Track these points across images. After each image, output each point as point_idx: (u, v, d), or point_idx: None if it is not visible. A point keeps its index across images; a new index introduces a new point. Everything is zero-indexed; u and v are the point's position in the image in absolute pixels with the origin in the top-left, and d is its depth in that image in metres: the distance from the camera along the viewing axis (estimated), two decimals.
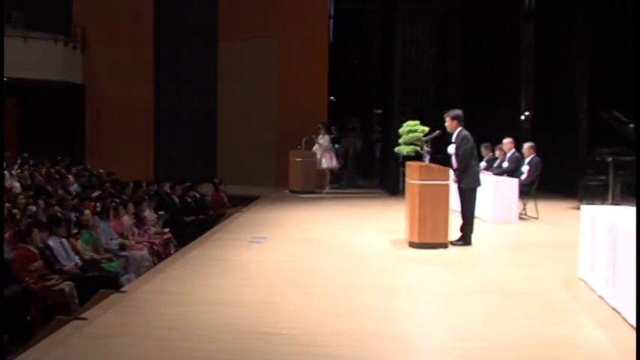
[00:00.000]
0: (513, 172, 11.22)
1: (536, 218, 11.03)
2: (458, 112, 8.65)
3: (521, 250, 8.42)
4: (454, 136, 8.57)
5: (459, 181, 8.53)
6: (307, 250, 8.30)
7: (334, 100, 19.15)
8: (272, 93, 17.71)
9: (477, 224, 8.79)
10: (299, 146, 15.43)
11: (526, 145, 11.37)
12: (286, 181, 15.65)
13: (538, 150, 11.31)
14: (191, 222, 12.94)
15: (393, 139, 9.98)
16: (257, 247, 8.43)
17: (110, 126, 18.43)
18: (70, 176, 14.40)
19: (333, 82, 17.94)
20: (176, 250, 9.86)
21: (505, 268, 7.37)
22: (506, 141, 11.63)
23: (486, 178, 10.93)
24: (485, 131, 12.24)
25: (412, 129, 8.67)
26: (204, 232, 10.04)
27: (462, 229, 8.58)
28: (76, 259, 8.36)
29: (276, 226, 10.32)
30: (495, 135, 12.37)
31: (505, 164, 11.56)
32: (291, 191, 15.36)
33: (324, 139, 15.61)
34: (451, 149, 8.59)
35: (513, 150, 11.52)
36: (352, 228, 10.22)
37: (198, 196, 14.17)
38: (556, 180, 13.87)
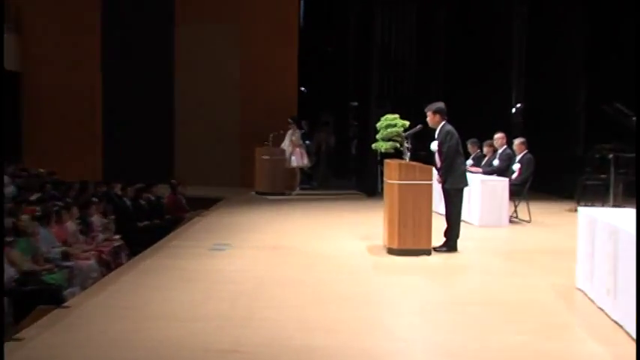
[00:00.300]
0: (504, 170, 11.30)
1: (529, 222, 11.11)
2: (440, 105, 8.69)
3: (512, 257, 8.46)
4: (437, 131, 8.61)
5: (443, 181, 8.57)
6: (275, 259, 8.28)
7: (305, 91, 19.12)
8: (236, 84, 17.64)
9: (463, 228, 8.82)
10: (266, 143, 15.42)
11: (517, 141, 11.44)
12: (252, 182, 15.63)
13: (530, 146, 11.40)
14: (145, 227, 12.85)
15: (371, 134, 9.99)
16: (219, 255, 8.40)
17: (51, 119, 18.01)
18: (4, 177, 14.16)
19: (303, 71, 17.91)
20: (128, 260, 9.77)
21: (494, 276, 7.39)
22: (498, 136, 11.70)
23: (473, 177, 10.99)
24: (472, 126, 12.31)
25: (391, 123, 8.69)
26: (160, 238, 9.99)
27: (446, 233, 8.61)
28: (12, 271, 8.20)
29: (240, 231, 10.31)
30: (483, 130, 12.45)
31: (495, 162, 11.62)
32: (258, 193, 15.37)
33: (293, 135, 15.63)
34: (434, 146, 8.63)
35: (505, 146, 11.59)
36: (325, 233, 10.23)
37: (153, 198, 14.08)
38: (550, 179, 14.02)
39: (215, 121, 17.74)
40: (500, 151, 11.65)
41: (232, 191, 15.78)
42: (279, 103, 16.89)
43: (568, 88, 14.55)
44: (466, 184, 8.73)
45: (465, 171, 8.80)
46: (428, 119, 8.65)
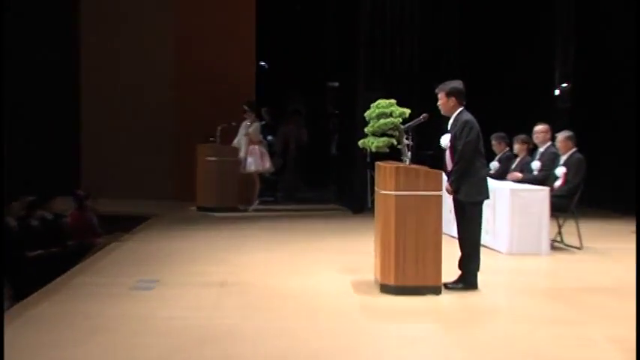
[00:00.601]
0: (546, 177, 11.37)
1: (579, 248, 11.19)
2: (456, 84, 8.73)
3: (555, 298, 8.49)
4: (451, 121, 8.65)
5: (454, 190, 8.59)
6: (225, 300, 8.27)
7: (266, 67, 19.12)
8: (167, 58, 17.56)
9: (485, 257, 8.85)
10: (212, 139, 15.44)
11: (561, 136, 11.52)
12: (192, 193, 15.65)
13: (580, 143, 11.50)
14: (38, 258, 12.70)
15: (357, 127, 10.00)
16: (145, 297, 8.35)
17: None
18: None
19: (263, 40, 17.91)
20: (12, 305, 9.64)
21: (530, 325, 7.40)
22: (540, 128, 11.80)
23: (498, 185, 11.03)
24: (498, 115, 12.39)
25: (385, 112, 8.68)
26: (60, 273, 9.91)
27: (461, 264, 8.64)
28: None
29: (176, 262, 10.31)
30: (512, 121, 12.52)
31: (535, 164, 11.68)
32: (200, 209, 15.39)
33: (250, 128, 15.60)
34: (445, 141, 8.65)
35: (549, 143, 11.65)
36: (295, 265, 10.25)
37: (50, 216, 13.90)
38: (608, 188, 14.12)
39: (139, 109, 17.63)
40: (542, 149, 11.71)
41: (164, 207, 15.73)
42: (229, 84, 16.88)
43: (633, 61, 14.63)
44: (487, 196, 8.77)
45: (485, 177, 8.83)
46: (439, 104, 8.70)
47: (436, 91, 8.78)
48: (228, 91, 16.68)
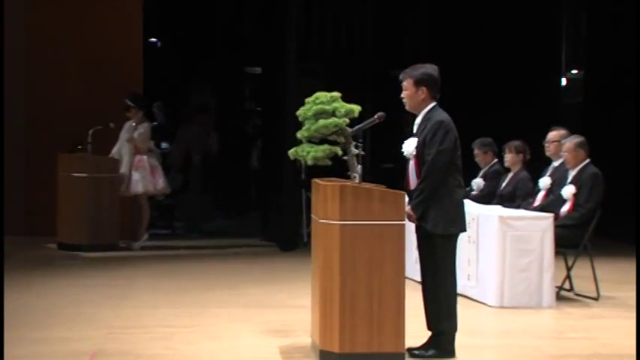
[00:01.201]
0: (556, 203, 11.48)
1: (596, 299, 11.31)
2: (429, 70, 8.79)
3: None
4: (419, 120, 8.73)
5: (419, 218, 8.61)
6: None
7: (159, 45, 19.13)
8: (15, 33, 17.43)
9: (465, 312, 8.97)
10: (80, 146, 15.37)
11: (568, 144, 11.64)
12: (50, 225, 15.55)
13: (595, 152, 11.62)
14: None
15: (287, 130, 10.02)
16: None
17: None
18: None
19: (154, 11, 17.89)
20: None
21: None
22: (554, 135, 11.96)
23: (479, 210, 11.11)
24: (482, 116, 12.48)
25: (326, 109, 8.72)
26: None
27: (431, 323, 8.69)
28: None
29: (23, 325, 10.16)
30: (502, 124, 12.62)
31: (544, 182, 11.80)
32: (63, 246, 15.30)
33: (137, 131, 15.52)
34: (409, 147, 8.69)
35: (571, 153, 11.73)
36: (201, 324, 10.25)
37: None
38: (632, 211, 14.27)
39: None
40: (556, 163, 11.87)
41: (8, 244, 15.51)
42: (106, 70, 16.85)
43: None
44: (463, 228, 8.81)
45: (462, 201, 8.86)
46: (404, 95, 8.75)
47: (400, 77, 8.81)
48: (104, 80, 16.65)
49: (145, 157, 15.65)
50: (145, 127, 15.69)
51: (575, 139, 11.63)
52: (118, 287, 12.53)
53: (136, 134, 15.54)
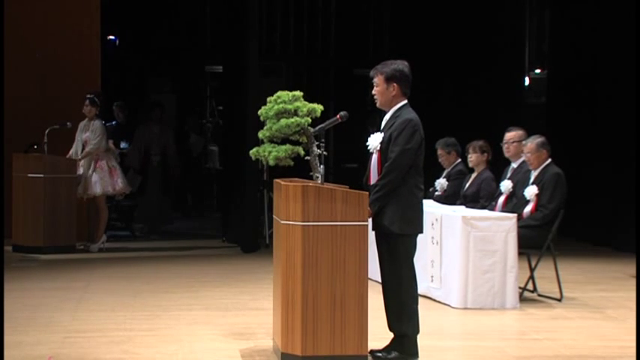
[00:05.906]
0: (522, 202, 11.51)
1: (559, 300, 11.36)
2: (401, 67, 8.77)
3: None
4: (387, 117, 8.74)
5: (373, 214, 8.57)
6: None
7: (117, 42, 19.04)
8: None
9: (427, 314, 8.97)
10: (35, 146, 15.29)
11: (530, 144, 11.66)
12: (5, 226, 15.30)
13: (557, 153, 11.67)
14: None
15: (248, 130, 9.98)
16: None
17: None
18: None
19: (111, 12, 17.83)
20: None
21: None
22: (513, 136, 11.95)
23: (439, 210, 11.12)
24: (445, 115, 12.45)
25: (288, 108, 8.70)
26: None
27: (392, 325, 8.68)
28: None
29: None
30: (466, 123, 12.60)
31: (505, 185, 11.84)
32: (18, 248, 15.23)
33: (94, 130, 15.40)
34: (375, 142, 8.68)
35: (523, 155, 11.73)
36: (160, 328, 10.22)
37: None
38: (598, 213, 14.29)
39: None
40: (515, 164, 11.93)
41: None
42: (62, 69, 16.78)
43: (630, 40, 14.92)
44: (420, 230, 8.78)
45: (420, 202, 8.80)
46: (375, 91, 8.74)
47: (371, 73, 8.80)
48: (60, 79, 16.58)
49: (103, 160, 15.53)
50: (100, 126, 15.55)
51: (537, 139, 11.62)
52: (76, 290, 12.44)
53: (93, 134, 15.41)
